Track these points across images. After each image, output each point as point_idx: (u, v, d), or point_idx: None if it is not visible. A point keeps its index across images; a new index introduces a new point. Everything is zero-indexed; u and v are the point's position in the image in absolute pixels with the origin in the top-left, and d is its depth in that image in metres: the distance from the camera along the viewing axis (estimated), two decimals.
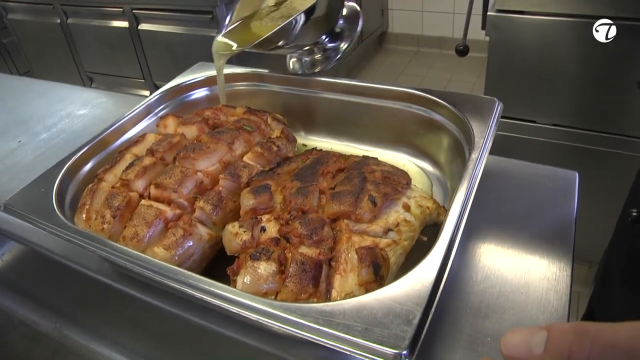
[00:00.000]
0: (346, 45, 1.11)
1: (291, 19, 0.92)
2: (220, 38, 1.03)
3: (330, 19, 1.06)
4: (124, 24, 2.80)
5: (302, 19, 0.94)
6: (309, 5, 0.93)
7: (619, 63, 1.70)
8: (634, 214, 0.86)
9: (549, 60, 1.83)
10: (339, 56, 1.11)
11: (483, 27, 1.89)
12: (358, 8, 1.13)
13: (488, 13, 1.84)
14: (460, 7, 4.06)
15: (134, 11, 2.72)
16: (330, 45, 1.13)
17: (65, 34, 3.09)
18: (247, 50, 0.98)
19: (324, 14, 1.01)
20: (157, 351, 0.82)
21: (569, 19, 1.71)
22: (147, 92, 2.99)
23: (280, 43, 0.99)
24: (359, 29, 1.11)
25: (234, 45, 1.00)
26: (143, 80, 2.98)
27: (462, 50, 2.09)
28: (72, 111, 1.41)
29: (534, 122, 1.97)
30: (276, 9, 1.05)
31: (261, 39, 0.93)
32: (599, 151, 1.91)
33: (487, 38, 1.89)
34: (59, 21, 3.05)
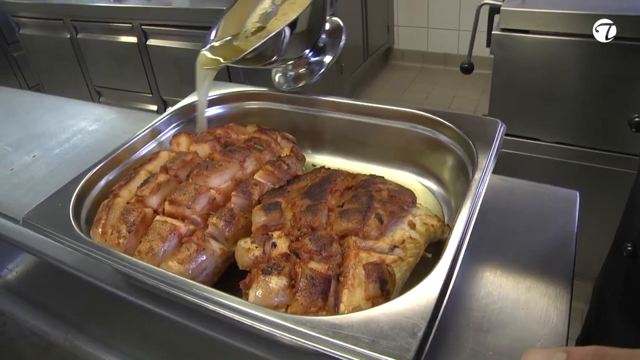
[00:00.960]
0: (330, 59, 1.13)
1: (274, 32, 0.94)
2: (204, 52, 1.06)
3: (312, 33, 1.09)
4: (133, 39, 2.85)
5: (286, 33, 0.97)
6: (290, 20, 0.96)
7: (620, 78, 1.73)
8: (629, 248, 0.87)
9: (553, 79, 1.86)
10: (322, 70, 1.13)
11: (488, 45, 1.91)
12: (341, 23, 1.15)
13: (493, 32, 1.87)
14: (465, 24, 4.11)
15: (142, 27, 2.77)
16: (314, 59, 1.15)
17: (74, 48, 3.14)
18: (232, 65, 1.02)
19: (306, 28, 1.03)
20: None
21: (574, 39, 1.73)
22: (154, 107, 3.04)
23: (266, 57, 1.02)
24: (342, 43, 1.13)
25: (220, 59, 1.03)
26: (151, 95, 3.03)
27: (467, 68, 2.12)
28: (85, 127, 1.45)
29: (538, 140, 1.99)
30: (260, 26, 1.07)
31: (246, 52, 0.96)
32: (603, 169, 1.93)
33: (492, 56, 1.93)
34: (68, 36, 3.10)
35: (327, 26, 1.15)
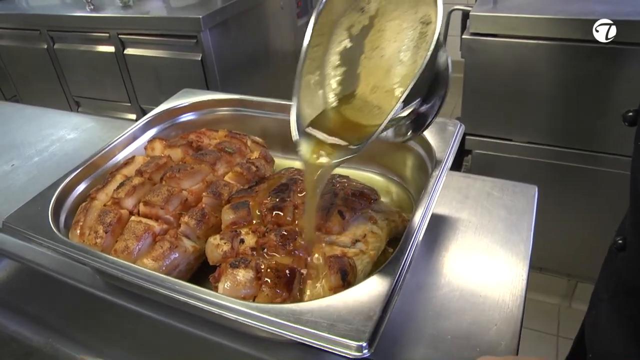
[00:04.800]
0: (441, 101, 0.83)
1: (419, 70, 0.69)
2: (305, 146, 0.78)
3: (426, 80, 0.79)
4: (110, 48, 2.87)
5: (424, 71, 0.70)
6: (410, 85, 0.69)
7: (586, 78, 1.80)
8: (619, 241, 0.91)
9: (522, 81, 1.92)
10: (436, 112, 0.84)
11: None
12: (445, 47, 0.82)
13: (463, 36, 1.93)
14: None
15: (120, 36, 2.79)
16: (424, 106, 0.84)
17: (52, 59, 3.16)
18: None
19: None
20: (146, 359, 0.88)
21: (541, 42, 1.80)
22: (133, 116, 3.06)
23: (407, 112, 0.80)
24: (450, 73, 0.82)
25: (344, 144, 0.77)
26: (129, 104, 3.05)
27: None
28: (63, 135, 1.49)
29: (510, 140, 2.05)
30: (345, 71, 0.83)
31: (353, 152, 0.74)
32: (575, 168, 1.99)
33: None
34: (45, 47, 3.12)
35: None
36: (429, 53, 0.69)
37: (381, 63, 0.81)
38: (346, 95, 0.83)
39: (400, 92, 0.72)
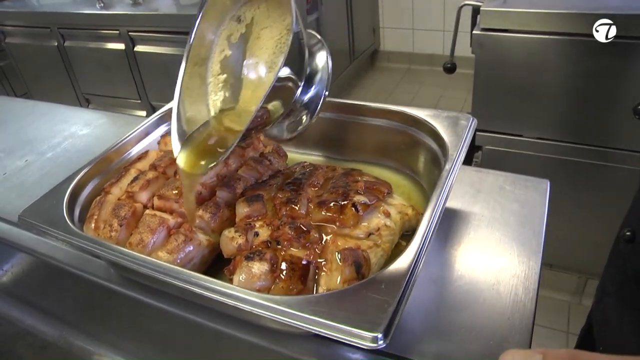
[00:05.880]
0: (323, 89, 0.91)
1: (270, 86, 0.75)
2: (182, 153, 0.86)
3: (299, 73, 0.85)
4: (120, 46, 2.89)
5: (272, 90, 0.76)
6: (272, 81, 0.76)
7: (598, 74, 1.80)
8: (628, 233, 0.91)
9: (533, 77, 1.92)
10: (319, 107, 0.91)
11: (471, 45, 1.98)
12: (318, 36, 0.93)
13: (473, 32, 1.93)
14: (450, 25, 4.12)
15: (129, 33, 2.82)
16: (306, 96, 0.91)
17: (62, 56, 3.19)
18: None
19: (291, 74, 0.83)
20: (160, 353, 0.89)
21: (552, 37, 1.80)
22: (143, 113, 3.08)
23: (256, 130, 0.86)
24: (329, 65, 0.90)
25: (204, 165, 0.84)
26: (139, 101, 3.07)
27: (450, 68, 2.19)
28: (75, 131, 1.50)
29: (520, 136, 2.05)
30: (225, 79, 0.90)
31: (225, 153, 0.81)
32: (587, 164, 1.99)
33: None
34: (56, 44, 3.15)
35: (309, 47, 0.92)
36: (283, 57, 0.78)
37: (258, 70, 0.89)
38: (229, 104, 0.91)
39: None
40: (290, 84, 0.83)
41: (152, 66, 2.85)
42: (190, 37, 0.93)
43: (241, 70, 0.91)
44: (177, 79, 0.91)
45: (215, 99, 0.92)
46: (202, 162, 0.84)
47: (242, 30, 0.91)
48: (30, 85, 3.60)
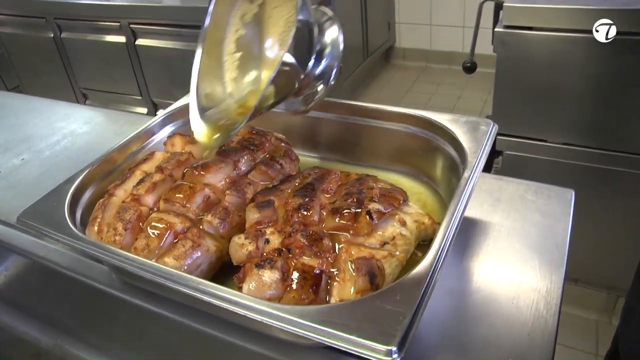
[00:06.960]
0: (335, 63, 1.00)
1: (276, 68, 0.84)
2: (203, 129, 0.96)
3: (309, 49, 0.96)
4: (121, 39, 2.91)
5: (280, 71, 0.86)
6: (279, 60, 0.85)
7: (628, 75, 1.79)
8: None
9: (559, 77, 1.91)
10: (331, 81, 1.01)
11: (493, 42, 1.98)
12: (330, 12, 1.02)
13: (495, 29, 1.93)
14: (470, 20, 4.11)
15: (131, 26, 2.83)
16: (317, 69, 1.00)
17: (58, 48, 3.20)
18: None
19: (301, 51, 0.93)
20: None
21: (580, 35, 1.79)
22: (144, 109, 3.10)
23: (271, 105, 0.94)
24: (341, 39, 1.00)
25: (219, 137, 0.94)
26: (140, 97, 3.08)
27: (470, 67, 2.20)
28: (75, 129, 1.53)
29: (545, 141, 2.04)
30: (242, 56, 0.99)
31: (238, 126, 0.90)
32: (616, 171, 1.98)
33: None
34: (52, 35, 3.16)
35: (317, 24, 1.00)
36: (291, 34, 0.88)
37: (271, 47, 0.99)
38: (245, 80, 1.01)
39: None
40: (296, 63, 0.92)
41: (154, 61, 2.86)
42: (206, 21, 1.01)
43: (255, 49, 1.01)
44: (179, 74, 1.03)
45: (231, 76, 1.01)
46: (217, 135, 0.93)
47: (255, 10, 0.99)
48: (23, 78, 3.61)
